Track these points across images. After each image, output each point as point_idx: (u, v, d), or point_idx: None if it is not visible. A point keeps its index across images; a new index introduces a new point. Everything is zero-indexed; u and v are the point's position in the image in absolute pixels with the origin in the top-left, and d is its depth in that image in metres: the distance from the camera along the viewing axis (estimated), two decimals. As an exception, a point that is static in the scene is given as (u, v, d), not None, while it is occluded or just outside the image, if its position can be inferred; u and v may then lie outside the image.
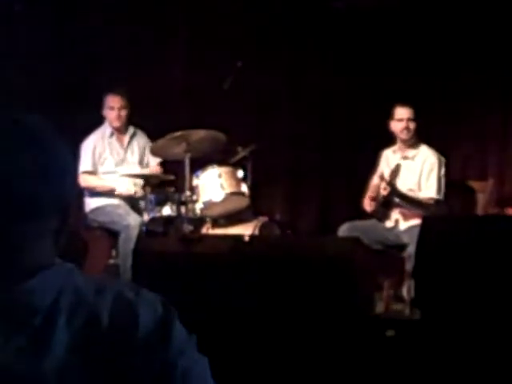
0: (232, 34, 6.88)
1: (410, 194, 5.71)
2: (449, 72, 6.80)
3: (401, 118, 5.74)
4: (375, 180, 5.77)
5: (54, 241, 1.17)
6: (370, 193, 5.76)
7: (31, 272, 1.11)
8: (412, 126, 5.73)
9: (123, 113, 5.89)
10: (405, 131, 5.74)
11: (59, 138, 1.18)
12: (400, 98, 6.03)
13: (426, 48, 6.83)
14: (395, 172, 5.78)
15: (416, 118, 5.74)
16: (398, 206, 5.71)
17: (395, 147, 5.91)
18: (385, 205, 5.72)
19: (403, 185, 5.73)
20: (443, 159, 5.80)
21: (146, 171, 5.98)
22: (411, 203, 5.67)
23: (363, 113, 6.80)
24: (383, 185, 5.62)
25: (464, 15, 6.73)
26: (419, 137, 5.82)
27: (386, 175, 5.73)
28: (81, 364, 1.09)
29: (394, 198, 5.67)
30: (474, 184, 6.44)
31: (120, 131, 5.99)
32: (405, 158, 5.82)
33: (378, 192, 5.67)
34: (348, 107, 7.07)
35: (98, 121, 6.02)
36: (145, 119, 6.19)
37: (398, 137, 5.82)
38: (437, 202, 5.69)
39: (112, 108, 5.87)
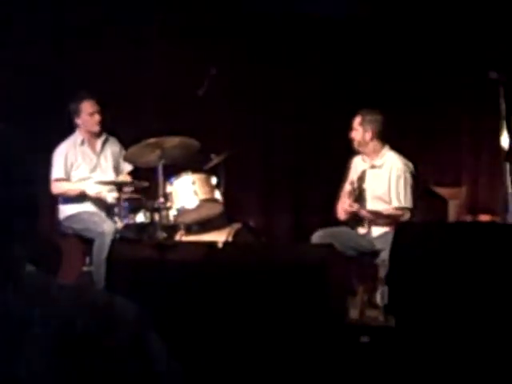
0: (206, 39, 6.89)
1: (378, 205, 5.67)
2: (423, 77, 6.83)
3: (351, 127, 5.71)
4: (347, 187, 5.74)
5: (23, 245, 1.16)
6: (341, 202, 5.74)
7: (4, 278, 1.10)
8: (355, 134, 5.66)
9: (101, 117, 5.88)
10: (354, 141, 5.70)
11: (23, 143, 1.17)
12: (374, 102, 6.04)
13: (398, 53, 6.89)
14: (361, 179, 5.72)
15: (365, 125, 5.62)
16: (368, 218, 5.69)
17: (364, 155, 5.84)
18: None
19: (372, 193, 5.69)
20: (411, 165, 5.68)
21: (119, 178, 5.95)
22: (380, 216, 5.63)
23: (337, 119, 6.83)
24: (348, 202, 5.58)
25: (439, 21, 6.78)
26: (390, 144, 5.72)
27: (355, 183, 5.69)
28: (55, 371, 1.09)
29: (362, 214, 5.64)
30: (447, 191, 6.47)
31: (95, 137, 5.96)
32: (372, 166, 5.72)
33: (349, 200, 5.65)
34: (322, 113, 7.09)
35: (61, 127, 6.00)
36: (118, 125, 6.16)
37: None
38: (407, 209, 5.64)
39: (92, 114, 5.85)
